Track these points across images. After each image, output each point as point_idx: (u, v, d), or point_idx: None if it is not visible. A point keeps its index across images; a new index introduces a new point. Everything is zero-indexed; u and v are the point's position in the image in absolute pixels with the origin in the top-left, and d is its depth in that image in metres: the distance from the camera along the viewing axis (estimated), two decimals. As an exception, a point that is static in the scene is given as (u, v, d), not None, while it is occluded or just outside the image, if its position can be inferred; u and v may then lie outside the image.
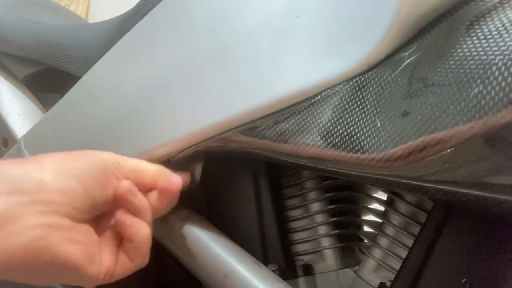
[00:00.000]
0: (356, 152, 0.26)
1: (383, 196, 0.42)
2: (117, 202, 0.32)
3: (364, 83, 0.27)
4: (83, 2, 1.73)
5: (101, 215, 0.32)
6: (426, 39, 0.25)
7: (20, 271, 0.26)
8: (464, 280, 0.29)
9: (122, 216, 0.31)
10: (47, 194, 0.27)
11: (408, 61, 0.25)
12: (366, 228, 0.44)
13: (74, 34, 0.53)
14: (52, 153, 0.30)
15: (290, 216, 0.43)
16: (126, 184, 0.31)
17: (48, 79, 0.60)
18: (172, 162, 0.37)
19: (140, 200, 0.32)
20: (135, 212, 0.31)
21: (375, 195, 0.43)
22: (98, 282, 0.30)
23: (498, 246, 0.29)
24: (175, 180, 0.34)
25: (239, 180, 0.41)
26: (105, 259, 0.30)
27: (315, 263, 0.41)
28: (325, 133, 0.28)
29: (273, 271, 0.37)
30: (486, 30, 0.22)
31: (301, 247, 0.42)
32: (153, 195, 0.34)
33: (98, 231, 0.31)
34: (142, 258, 0.32)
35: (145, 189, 0.34)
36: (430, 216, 0.32)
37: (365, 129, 0.26)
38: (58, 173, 0.28)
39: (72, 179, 0.28)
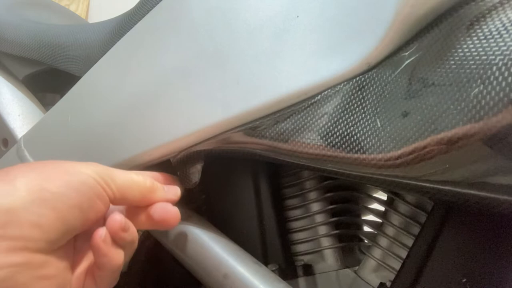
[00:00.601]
0: (356, 152, 0.26)
1: (383, 196, 0.42)
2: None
3: (364, 83, 0.27)
4: (83, 2, 1.73)
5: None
6: (426, 39, 0.25)
7: None
8: (464, 280, 0.29)
9: (99, 243, 0.27)
10: (17, 228, 0.24)
11: (408, 61, 0.25)
12: (366, 228, 0.44)
13: (74, 34, 0.53)
14: (25, 168, 0.26)
15: (290, 216, 0.43)
16: (118, 219, 0.28)
17: (48, 79, 0.60)
18: (172, 162, 0.37)
19: (131, 233, 0.29)
20: (120, 243, 0.28)
21: (375, 195, 0.43)
22: None
23: (498, 246, 0.29)
24: (173, 211, 0.31)
25: (239, 180, 0.41)
26: (73, 285, 0.28)
27: (315, 263, 0.41)
28: (325, 133, 0.28)
29: (273, 271, 0.37)
30: (486, 30, 0.22)
31: (301, 247, 0.42)
32: (143, 217, 0.31)
33: (70, 250, 0.29)
34: (109, 284, 0.29)
35: (134, 206, 0.32)
36: (430, 216, 0.32)
37: (365, 129, 0.26)
38: (31, 200, 0.24)
39: (46, 209, 0.25)
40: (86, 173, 0.28)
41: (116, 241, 0.28)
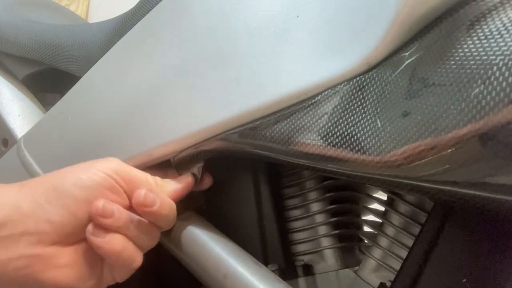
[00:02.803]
0: (357, 152, 0.26)
1: (383, 196, 0.42)
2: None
3: (365, 83, 0.27)
4: (83, 2, 1.73)
5: None
6: (426, 39, 0.25)
7: None
8: (464, 280, 0.29)
9: (89, 237, 0.29)
10: (33, 224, 0.28)
11: (408, 61, 0.25)
12: (366, 228, 0.44)
13: (74, 34, 0.53)
14: (46, 176, 0.30)
15: (290, 216, 0.43)
16: (96, 204, 0.29)
17: (48, 79, 0.60)
18: (172, 162, 0.37)
19: (118, 218, 0.29)
20: (112, 230, 0.30)
21: (375, 195, 0.43)
22: None
23: (498, 246, 0.29)
24: (151, 198, 0.30)
25: (239, 180, 0.41)
26: (93, 276, 0.30)
27: (315, 263, 0.41)
28: (325, 133, 0.28)
29: (273, 271, 0.37)
30: (486, 30, 0.22)
31: (301, 247, 0.42)
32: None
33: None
34: (122, 275, 0.31)
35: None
36: (430, 216, 0.32)
37: (365, 130, 0.26)
38: (45, 199, 0.28)
39: (57, 206, 0.28)
40: (97, 168, 0.30)
41: (106, 228, 0.29)
